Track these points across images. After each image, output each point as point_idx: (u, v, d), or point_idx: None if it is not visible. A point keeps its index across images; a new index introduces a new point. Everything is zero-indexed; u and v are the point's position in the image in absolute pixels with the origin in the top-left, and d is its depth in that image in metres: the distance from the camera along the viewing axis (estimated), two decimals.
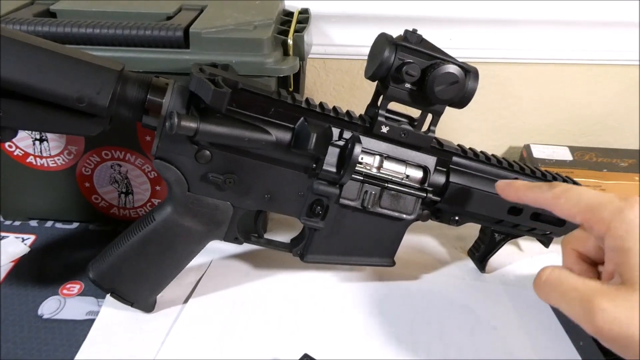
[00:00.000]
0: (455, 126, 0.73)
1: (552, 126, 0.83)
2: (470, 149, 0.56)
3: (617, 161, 0.75)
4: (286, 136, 0.47)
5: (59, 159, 0.60)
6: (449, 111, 0.50)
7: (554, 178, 0.58)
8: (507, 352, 0.51)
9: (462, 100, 0.48)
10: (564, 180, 0.59)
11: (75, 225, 0.65)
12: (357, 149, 0.47)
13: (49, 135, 0.58)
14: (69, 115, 0.42)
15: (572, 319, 0.33)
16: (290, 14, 0.63)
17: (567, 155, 0.76)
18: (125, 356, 0.49)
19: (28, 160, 0.60)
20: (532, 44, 0.76)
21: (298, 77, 0.57)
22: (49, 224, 0.65)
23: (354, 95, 0.76)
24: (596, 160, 0.75)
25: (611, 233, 0.33)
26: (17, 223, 0.65)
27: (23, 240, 0.62)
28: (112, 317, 0.53)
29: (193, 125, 0.42)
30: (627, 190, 0.71)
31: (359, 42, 0.72)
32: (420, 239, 0.66)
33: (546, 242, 0.61)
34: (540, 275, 0.35)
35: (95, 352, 0.49)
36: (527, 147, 0.78)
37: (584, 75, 0.79)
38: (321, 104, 0.49)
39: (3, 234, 0.63)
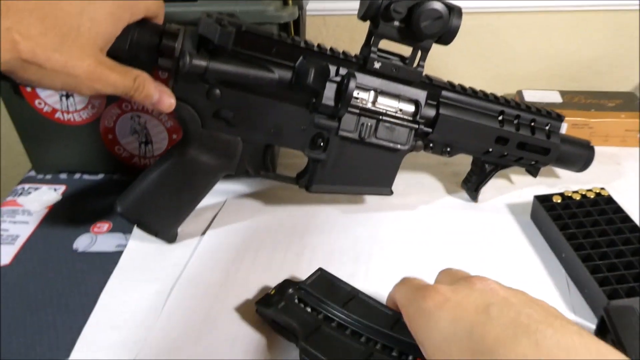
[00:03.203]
0: (450, 75, 0.77)
1: (543, 72, 0.87)
2: (458, 84, 0.60)
3: (604, 102, 0.79)
4: (287, 74, 0.52)
5: (83, 113, 0.65)
6: (444, 59, 0.54)
7: (538, 111, 0.62)
8: (501, 267, 0.57)
9: (446, 35, 0.53)
10: (548, 113, 0.63)
11: (100, 176, 0.71)
12: (352, 83, 0.52)
13: None
14: None
15: None
16: None
17: (557, 98, 0.80)
18: (151, 279, 0.55)
19: (56, 115, 0.65)
20: None
21: (298, 26, 0.62)
22: (77, 175, 0.71)
23: (353, 48, 0.80)
24: (585, 101, 0.79)
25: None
26: (48, 176, 0.71)
27: (55, 190, 0.69)
28: (139, 247, 0.59)
29: (203, 63, 0.48)
30: (613, 126, 0.76)
31: None
32: (418, 176, 0.71)
33: (534, 172, 0.65)
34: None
35: (125, 277, 0.55)
36: (520, 93, 0.82)
37: (571, 23, 0.83)
38: (319, 45, 0.54)
39: (37, 185, 0.69)
